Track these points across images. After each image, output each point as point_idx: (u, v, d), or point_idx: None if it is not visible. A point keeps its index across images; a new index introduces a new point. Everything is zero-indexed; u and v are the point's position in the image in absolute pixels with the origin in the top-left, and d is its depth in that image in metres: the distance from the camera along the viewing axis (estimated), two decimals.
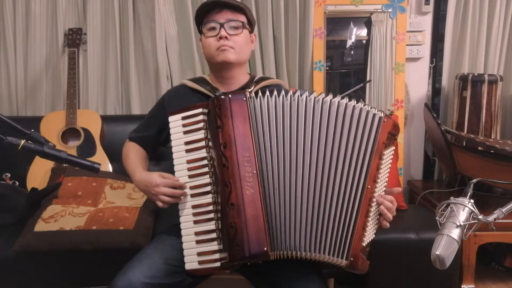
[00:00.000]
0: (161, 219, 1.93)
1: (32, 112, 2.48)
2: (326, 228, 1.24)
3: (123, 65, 2.51)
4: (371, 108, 1.31)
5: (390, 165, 1.34)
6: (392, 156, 1.35)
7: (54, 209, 1.84)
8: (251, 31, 1.56)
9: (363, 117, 1.29)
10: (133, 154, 1.60)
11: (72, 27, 2.44)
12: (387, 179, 1.34)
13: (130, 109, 2.52)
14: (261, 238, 1.21)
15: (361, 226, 1.26)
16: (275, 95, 1.28)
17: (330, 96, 1.30)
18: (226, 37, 1.46)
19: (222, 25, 1.46)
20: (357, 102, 1.31)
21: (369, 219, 1.28)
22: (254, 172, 1.23)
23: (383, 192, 1.33)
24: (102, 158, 2.20)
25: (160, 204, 1.37)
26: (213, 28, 1.48)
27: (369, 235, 1.29)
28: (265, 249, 1.21)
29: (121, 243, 1.71)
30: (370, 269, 1.49)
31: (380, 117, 1.30)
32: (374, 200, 1.28)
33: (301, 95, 1.28)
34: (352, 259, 1.24)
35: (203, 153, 1.30)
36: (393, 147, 1.36)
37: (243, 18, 1.51)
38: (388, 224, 1.32)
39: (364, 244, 1.27)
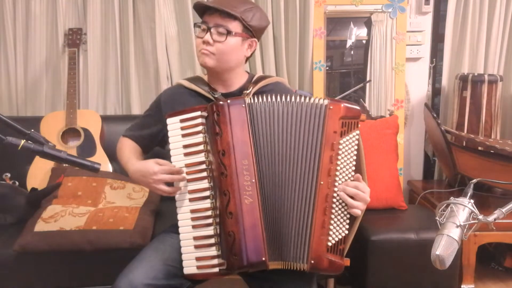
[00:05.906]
0: (161, 219, 1.94)
1: (32, 112, 2.48)
2: (286, 234, 1.23)
3: (123, 65, 2.51)
4: (318, 100, 1.25)
5: (355, 153, 1.24)
6: (356, 142, 1.25)
7: (54, 209, 1.84)
8: (250, 37, 1.43)
9: (312, 112, 1.25)
10: (127, 148, 1.56)
11: (72, 27, 2.44)
12: (352, 169, 1.25)
13: (130, 109, 2.52)
14: (259, 247, 1.21)
15: (320, 225, 1.21)
16: (269, 100, 1.27)
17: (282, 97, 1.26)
18: (209, 42, 1.38)
19: (209, 29, 1.38)
20: (309, 99, 1.26)
21: (332, 216, 1.23)
22: (253, 181, 1.23)
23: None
24: (102, 158, 2.20)
25: (159, 192, 1.34)
26: (204, 30, 1.41)
27: (337, 232, 1.23)
28: (263, 259, 1.22)
29: (121, 243, 1.71)
30: (370, 269, 1.49)
31: (325, 106, 1.24)
32: (335, 194, 1.22)
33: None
34: (313, 261, 1.21)
35: (201, 157, 1.29)
36: (355, 133, 1.25)
37: (234, 26, 1.38)
38: (358, 212, 1.22)
39: (330, 244, 1.22)
